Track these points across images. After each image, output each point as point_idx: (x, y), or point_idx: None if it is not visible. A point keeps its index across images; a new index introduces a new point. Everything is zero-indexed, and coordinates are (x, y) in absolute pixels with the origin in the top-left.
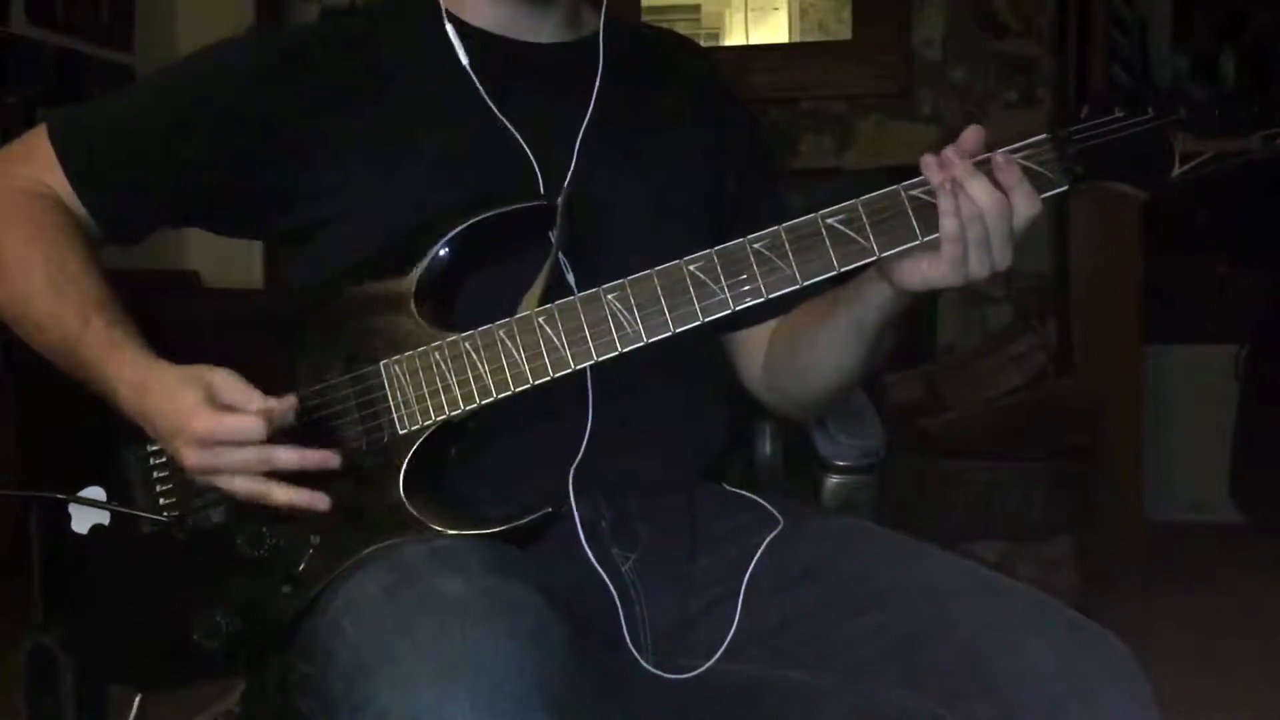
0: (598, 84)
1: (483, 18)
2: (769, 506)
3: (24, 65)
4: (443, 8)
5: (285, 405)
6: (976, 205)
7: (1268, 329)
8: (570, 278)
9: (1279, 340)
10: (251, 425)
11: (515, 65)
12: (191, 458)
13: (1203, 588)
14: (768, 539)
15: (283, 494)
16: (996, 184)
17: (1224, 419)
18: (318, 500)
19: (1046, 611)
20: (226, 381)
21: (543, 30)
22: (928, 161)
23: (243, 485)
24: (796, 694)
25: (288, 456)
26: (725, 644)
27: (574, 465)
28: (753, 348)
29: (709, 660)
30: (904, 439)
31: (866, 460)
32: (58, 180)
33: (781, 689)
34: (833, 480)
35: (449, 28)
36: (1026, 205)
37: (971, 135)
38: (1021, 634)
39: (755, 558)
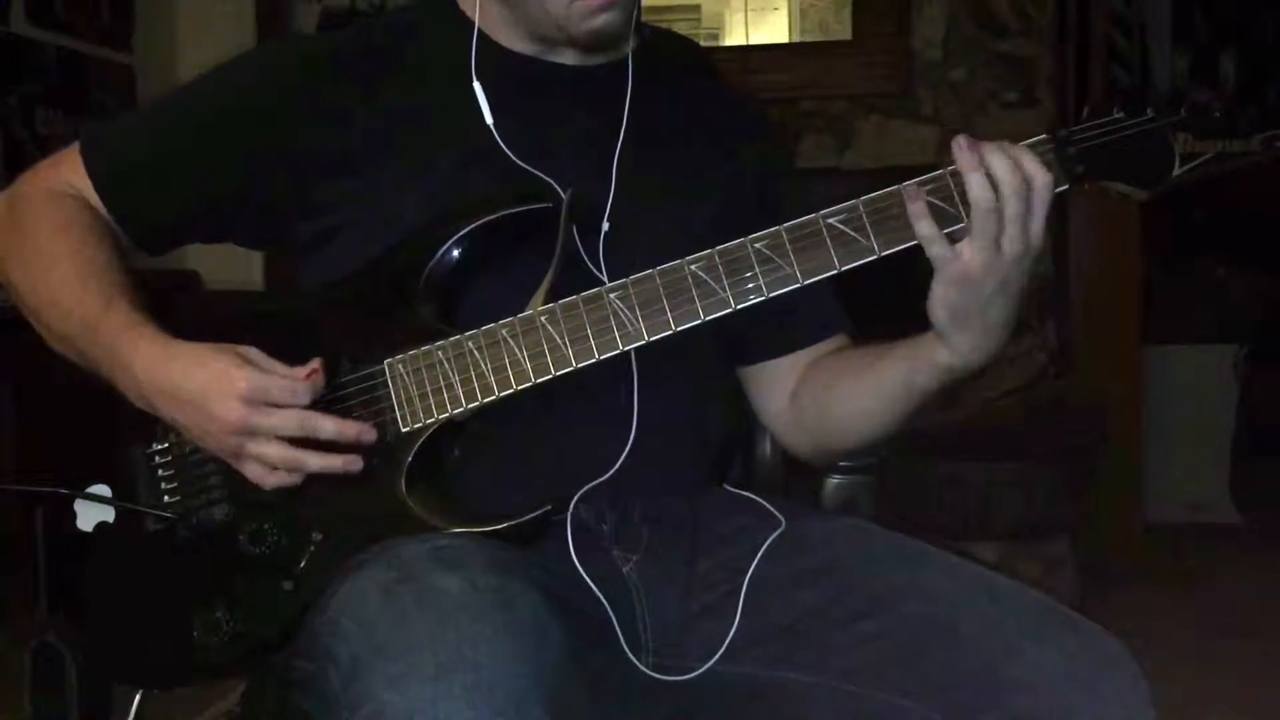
0: (627, 108)
1: (512, 40)
2: (770, 507)
3: (24, 65)
4: (473, 62)
5: (315, 366)
6: (1002, 176)
7: (1268, 329)
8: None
9: (1279, 340)
10: (300, 388)
11: (541, 84)
12: (234, 414)
13: (1202, 588)
14: (768, 540)
15: (316, 460)
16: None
17: (1224, 419)
18: (351, 464)
19: (1049, 616)
20: (260, 354)
21: (570, 54)
22: (959, 142)
23: (276, 451)
24: (796, 697)
25: (330, 425)
26: (725, 645)
27: (588, 470)
28: (773, 383)
29: (709, 661)
30: (904, 439)
31: (866, 460)
32: (88, 190)
33: (781, 691)
34: (833, 480)
35: (477, 86)
36: (1041, 176)
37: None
38: (1026, 641)
39: (756, 559)
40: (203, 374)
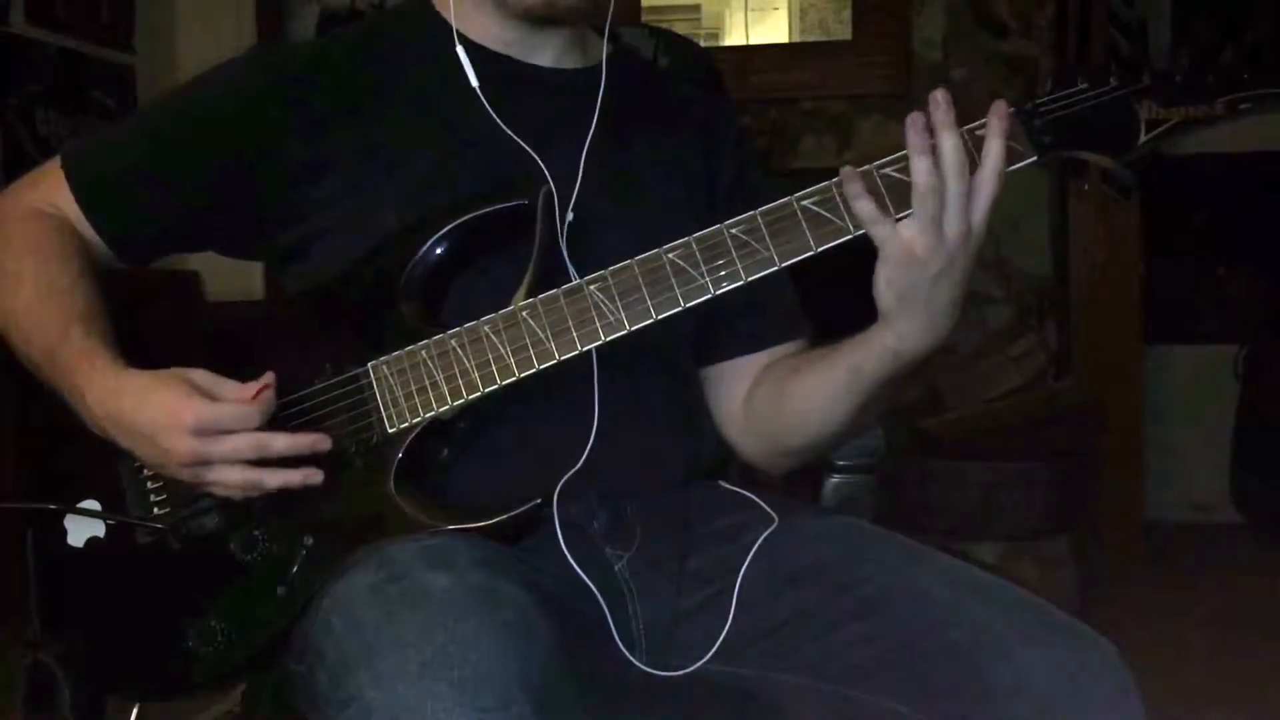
0: (598, 109)
1: (487, 36)
2: (764, 504)
3: (24, 65)
4: (454, 28)
5: (266, 383)
6: (945, 155)
7: (1268, 329)
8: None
9: (1279, 340)
10: (248, 411)
11: (515, 84)
12: (184, 446)
13: (1203, 588)
14: (761, 537)
15: (275, 479)
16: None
17: (1224, 419)
18: (310, 476)
19: (1040, 619)
20: (207, 377)
21: (546, 53)
22: (913, 119)
23: (235, 475)
24: (787, 697)
25: (282, 442)
26: (718, 643)
27: (573, 466)
28: (729, 384)
29: (702, 659)
30: (904, 439)
31: (866, 460)
32: (68, 204)
33: (772, 692)
34: (833, 479)
35: (460, 51)
36: (995, 155)
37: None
38: (1016, 645)
39: (749, 556)
40: (150, 408)
